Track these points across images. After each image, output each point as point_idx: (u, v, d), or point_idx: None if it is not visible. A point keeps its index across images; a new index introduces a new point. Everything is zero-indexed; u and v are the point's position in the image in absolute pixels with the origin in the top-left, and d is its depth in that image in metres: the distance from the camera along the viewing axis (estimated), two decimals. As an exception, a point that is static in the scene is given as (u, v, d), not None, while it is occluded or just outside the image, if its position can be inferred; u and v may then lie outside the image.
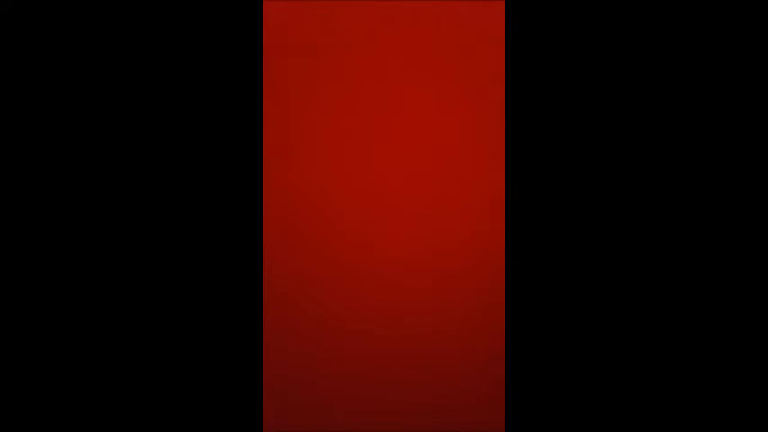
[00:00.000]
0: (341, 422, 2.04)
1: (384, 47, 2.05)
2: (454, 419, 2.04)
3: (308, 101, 2.05)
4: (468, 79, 2.04)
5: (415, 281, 2.04)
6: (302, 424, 2.04)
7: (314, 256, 2.04)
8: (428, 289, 2.04)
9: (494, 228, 2.04)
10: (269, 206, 2.04)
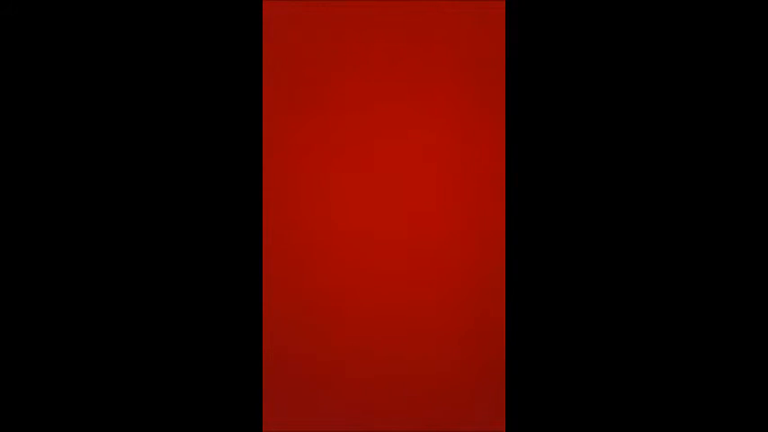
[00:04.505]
0: (340, 422, 2.04)
1: (384, 47, 2.05)
2: (454, 419, 2.04)
3: (308, 101, 2.05)
4: (468, 79, 2.04)
5: (416, 281, 2.04)
6: (302, 424, 2.04)
7: (314, 256, 2.04)
8: (428, 289, 2.04)
9: (494, 228, 2.04)
10: (269, 206, 2.04)
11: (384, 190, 2.04)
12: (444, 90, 2.04)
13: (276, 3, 2.04)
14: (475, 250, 2.04)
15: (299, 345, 2.04)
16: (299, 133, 2.05)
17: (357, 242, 2.04)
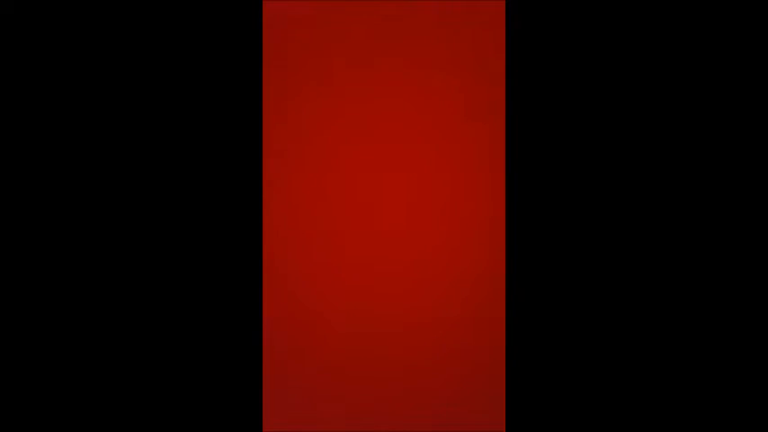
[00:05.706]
0: (340, 422, 2.04)
1: (384, 47, 2.05)
2: (454, 419, 2.04)
3: (308, 101, 2.05)
4: (468, 79, 2.04)
5: (415, 281, 2.04)
6: (302, 424, 2.04)
7: (314, 256, 2.04)
8: (428, 289, 2.04)
9: (494, 228, 2.04)
10: (269, 206, 2.04)
11: (384, 189, 2.04)
12: (444, 90, 2.04)
13: (276, 3, 2.04)
14: (475, 250, 2.04)
15: (299, 345, 2.04)
16: (298, 133, 2.05)
17: (357, 242, 2.04)
